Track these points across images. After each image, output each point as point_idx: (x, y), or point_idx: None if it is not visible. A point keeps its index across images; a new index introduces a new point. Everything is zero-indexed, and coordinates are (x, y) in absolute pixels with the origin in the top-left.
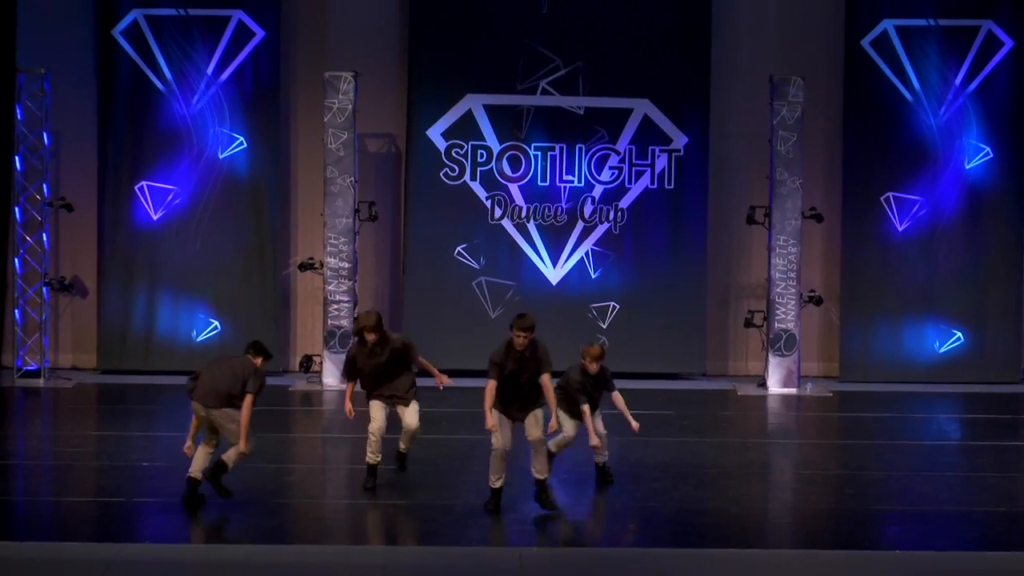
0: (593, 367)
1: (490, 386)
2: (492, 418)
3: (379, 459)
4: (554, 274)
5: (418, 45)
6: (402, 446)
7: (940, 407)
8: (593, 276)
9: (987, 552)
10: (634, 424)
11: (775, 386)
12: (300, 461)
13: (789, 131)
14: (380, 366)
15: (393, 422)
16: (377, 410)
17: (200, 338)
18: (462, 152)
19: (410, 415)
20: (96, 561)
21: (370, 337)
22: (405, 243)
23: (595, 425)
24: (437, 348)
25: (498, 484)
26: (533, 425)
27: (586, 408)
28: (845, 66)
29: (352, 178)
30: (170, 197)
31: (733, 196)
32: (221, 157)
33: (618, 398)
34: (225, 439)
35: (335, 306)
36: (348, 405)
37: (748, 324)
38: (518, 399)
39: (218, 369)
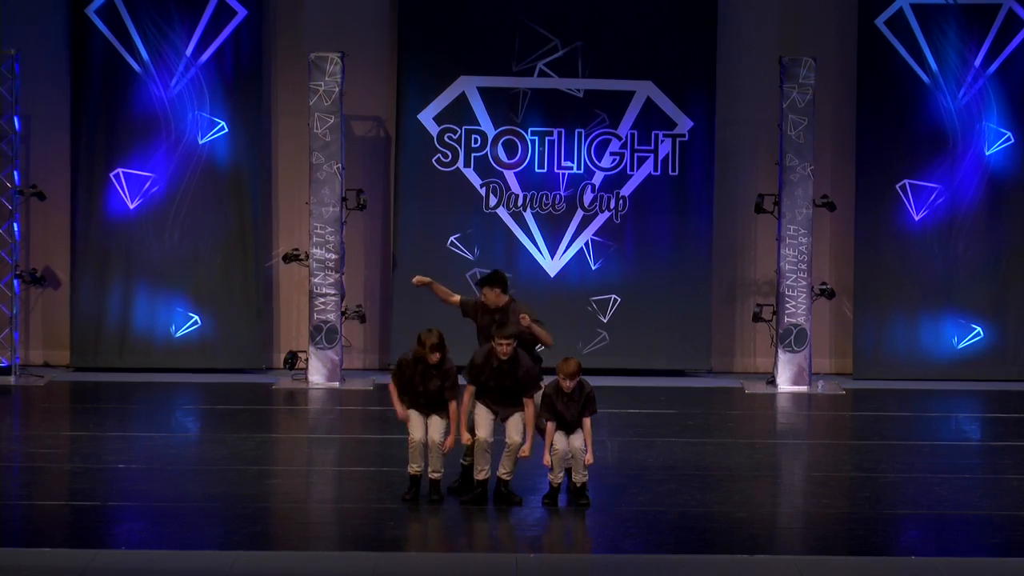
0: (567, 384)
1: (468, 392)
2: (466, 434)
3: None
4: (552, 265)
5: (408, 24)
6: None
7: (959, 406)
8: (593, 268)
9: (1008, 558)
10: (589, 457)
11: (785, 384)
12: (284, 463)
13: (800, 115)
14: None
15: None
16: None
17: (179, 333)
18: (455, 137)
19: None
20: (69, 568)
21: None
22: (395, 233)
23: (571, 443)
24: None
25: (482, 476)
26: (514, 429)
27: (550, 426)
28: (859, 46)
29: (339, 164)
30: (147, 185)
31: (741, 183)
32: (201, 143)
33: (587, 423)
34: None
35: (321, 300)
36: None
37: (756, 318)
38: (505, 398)
39: None
